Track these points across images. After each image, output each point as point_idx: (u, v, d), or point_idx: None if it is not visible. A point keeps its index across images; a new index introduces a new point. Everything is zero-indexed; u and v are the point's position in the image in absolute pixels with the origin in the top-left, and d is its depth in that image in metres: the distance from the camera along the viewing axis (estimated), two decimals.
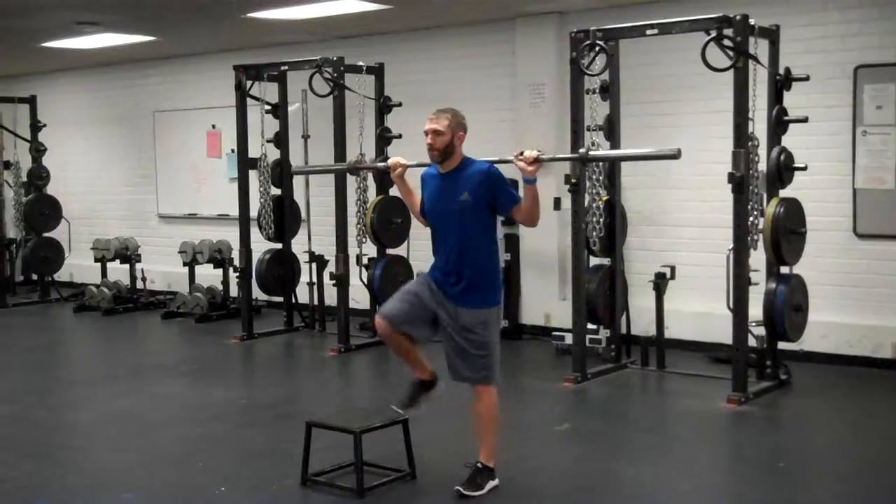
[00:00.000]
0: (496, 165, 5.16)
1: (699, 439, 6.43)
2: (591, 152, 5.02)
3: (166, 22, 10.01)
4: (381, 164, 5.58)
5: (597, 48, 7.45)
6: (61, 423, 7.07)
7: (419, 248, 9.34)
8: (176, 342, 10.29)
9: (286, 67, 9.64)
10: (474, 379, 5.20)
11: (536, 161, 4.92)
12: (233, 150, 10.73)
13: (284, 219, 10.10)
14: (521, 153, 4.96)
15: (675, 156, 4.87)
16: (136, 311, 11.72)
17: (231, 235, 10.66)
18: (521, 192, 5.17)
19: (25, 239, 12.92)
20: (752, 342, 7.30)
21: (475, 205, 5.06)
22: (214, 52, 11.99)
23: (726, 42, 6.80)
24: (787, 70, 7.35)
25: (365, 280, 9.42)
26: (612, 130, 7.99)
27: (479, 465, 5.22)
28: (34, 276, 13.32)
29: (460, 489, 5.14)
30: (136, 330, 10.95)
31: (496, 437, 5.26)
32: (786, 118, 7.38)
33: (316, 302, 10.15)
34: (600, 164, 7.80)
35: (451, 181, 5.14)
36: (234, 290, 10.85)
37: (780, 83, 7.35)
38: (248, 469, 5.77)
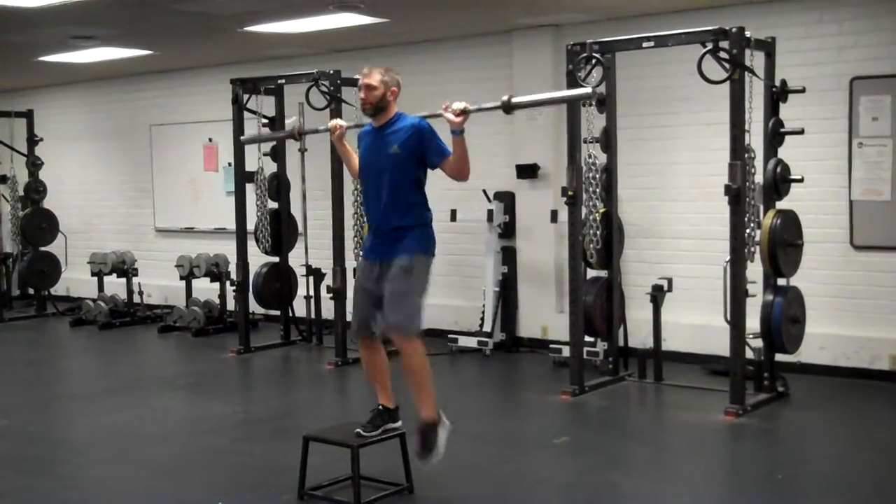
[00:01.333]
0: (427, 120, 5.27)
1: (697, 452, 6.42)
2: (513, 99, 5.14)
3: (163, 36, 10.02)
4: (321, 128, 5.75)
5: (593, 61, 7.47)
6: (58, 437, 7.04)
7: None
8: (173, 356, 10.27)
9: (283, 81, 9.64)
10: (392, 325, 5.11)
11: (464, 112, 5.01)
12: (230, 164, 10.73)
13: (281, 232, 10.10)
14: (449, 105, 5.06)
15: (590, 96, 5.31)
16: (133, 325, 11.70)
17: (228, 249, 10.65)
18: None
19: (22, 253, 12.90)
20: (749, 354, 7.29)
21: (405, 157, 5.17)
22: (211, 66, 12.00)
23: (722, 54, 6.81)
24: (784, 82, 7.36)
25: None
26: (608, 142, 8.00)
27: (426, 424, 5.18)
28: (31, 291, 13.31)
29: (419, 458, 5.17)
30: (132, 344, 10.92)
31: (431, 386, 5.22)
32: (782, 130, 7.39)
33: (313, 315, 10.13)
34: (598, 176, 7.82)
35: (383, 135, 5.25)
36: (230, 304, 10.84)
37: (777, 95, 7.37)
38: (245, 483, 5.75)
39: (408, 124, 5.23)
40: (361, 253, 5.39)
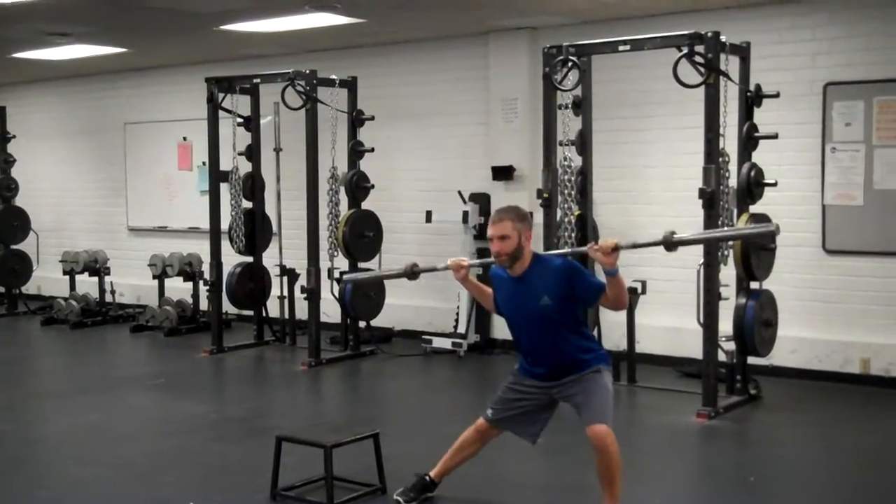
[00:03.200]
0: (569, 258, 4.93)
1: (670, 454, 6.45)
2: (675, 236, 4.61)
3: (138, 34, 9.97)
4: (441, 267, 5.16)
5: (569, 63, 7.49)
6: (28, 436, 6.98)
7: (391, 262, 9.35)
8: (145, 356, 10.21)
9: (258, 80, 9.61)
10: (600, 416, 4.73)
11: (615, 250, 4.56)
12: (204, 163, 10.68)
13: (255, 232, 10.06)
14: (597, 243, 4.65)
15: (774, 232, 4.71)
16: (105, 324, 11.62)
17: (202, 248, 10.60)
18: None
19: None
20: (722, 357, 7.33)
21: (558, 306, 4.73)
22: (186, 65, 11.95)
23: (698, 59, 6.85)
24: (758, 87, 7.41)
25: (336, 294, 9.40)
26: (584, 145, 8.02)
27: None
28: (1, 289, 13.17)
29: None
30: (104, 343, 10.85)
31: (619, 479, 4.81)
32: (756, 134, 7.44)
33: (287, 316, 10.10)
34: (573, 178, 7.84)
35: (526, 285, 4.79)
36: (203, 304, 10.79)
37: (751, 100, 7.41)
38: (218, 483, 5.73)
39: (552, 268, 4.76)
40: (519, 370, 5.04)
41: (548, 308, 4.72)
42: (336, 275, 9.34)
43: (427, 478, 5.22)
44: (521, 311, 4.86)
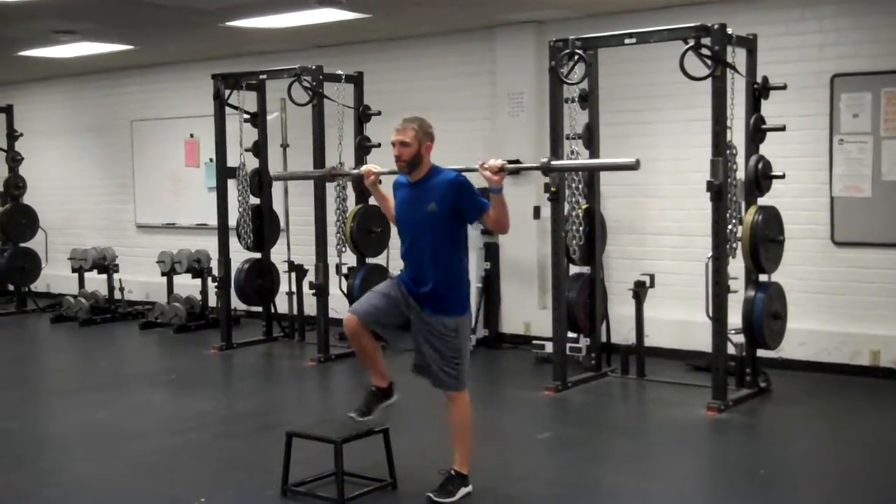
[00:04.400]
0: (463, 174, 5.17)
1: (679, 447, 6.45)
2: (552, 162, 5.07)
3: (144, 31, 9.97)
4: (355, 172, 5.69)
5: (576, 57, 7.48)
6: (38, 434, 7.01)
7: (399, 257, 9.35)
8: (154, 352, 10.23)
9: (265, 76, 9.61)
10: (448, 385, 5.21)
11: (501, 170, 4.93)
12: (211, 160, 10.69)
13: (263, 228, 10.06)
14: (485, 162, 4.97)
15: (634, 166, 4.90)
16: (114, 321, 11.64)
17: (210, 245, 10.61)
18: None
19: (1, 249, 12.81)
20: (731, 350, 7.32)
21: (443, 214, 5.08)
22: (192, 61, 11.95)
23: (704, 51, 6.83)
24: (765, 79, 7.39)
25: (345, 289, 9.40)
26: (591, 139, 8.01)
27: (452, 472, 5.24)
28: (10, 287, 13.21)
29: (431, 495, 5.15)
30: (113, 340, 10.88)
31: (469, 443, 5.28)
32: (763, 127, 7.42)
33: (295, 312, 10.12)
34: (580, 172, 7.83)
35: (419, 191, 5.16)
36: (212, 300, 10.80)
37: (758, 92, 7.39)
38: (228, 480, 5.74)
39: (444, 180, 5.11)
40: (399, 277, 5.32)
41: (433, 215, 5.07)
42: (344, 270, 9.34)
43: (373, 388, 5.37)
44: (410, 214, 5.20)
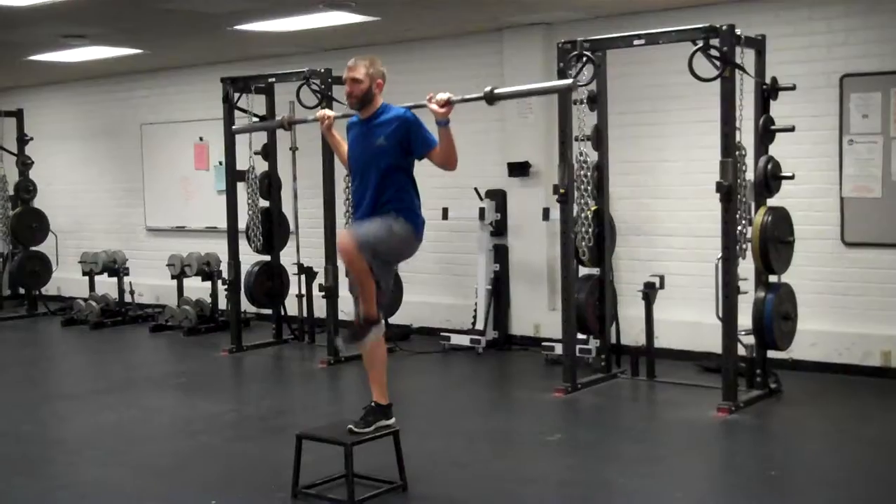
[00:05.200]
0: (412, 111, 5.27)
1: (690, 449, 6.43)
2: (495, 90, 5.13)
3: (153, 35, 10.00)
4: (311, 118, 5.83)
5: (584, 58, 7.48)
6: (50, 437, 7.03)
7: (408, 260, 9.35)
8: (164, 355, 10.25)
9: (274, 79, 9.64)
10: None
11: (448, 103, 5.03)
12: (220, 163, 10.72)
13: (273, 231, 10.09)
14: (433, 96, 5.07)
15: (570, 88, 5.21)
16: (125, 324, 11.68)
17: (219, 248, 10.63)
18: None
19: (12, 253, 12.87)
20: (741, 351, 7.31)
21: (391, 148, 5.19)
22: (201, 65, 11.98)
23: (713, 52, 6.83)
24: (774, 79, 7.38)
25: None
26: (599, 140, 8.01)
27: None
28: (21, 290, 13.26)
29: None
30: (124, 343, 10.90)
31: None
32: (773, 127, 7.40)
33: (305, 314, 10.13)
34: (589, 173, 7.83)
35: (369, 127, 5.27)
36: (222, 303, 10.81)
37: (767, 92, 7.38)
38: (239, 482, 5.75)
39: (393, 115, 5.25)
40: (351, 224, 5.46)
41: (382, 149, 5.18)
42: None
43: (373, 403, 5.42)
44: (361, 150, 5.30)
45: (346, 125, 5.53)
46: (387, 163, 5.21)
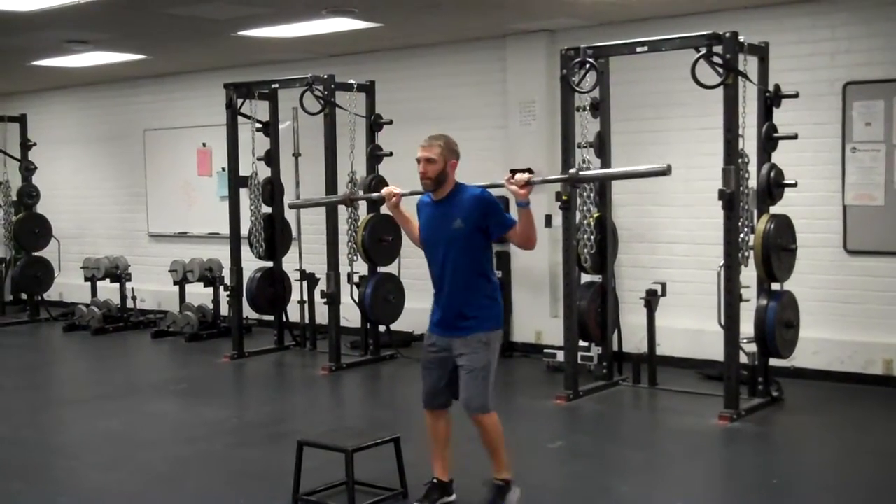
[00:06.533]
0: (489, 190, 5.08)
1: (691, 456, 6.42)
2: (581, 172, 4.86)
3: (157, 40, 10.01)
4: (375, 195, 5.46)
5: (587, 65, 7.48)
6: (51, 442, 7.03)
7: (410, 266, 9.35)
8: (166, 361, 10.25)
9: (277, 85, 9.64)
10: (475, 403, 5.04)
11: (528, 184, 4.82)
12: (223, 169, 10.72)
13: (275, 237, 10.08)
14: (513, 176, 4.87)
15: (665, 172, 4.75)
16: (126, 330, 11.68)
17: (222, 254, 10.63)
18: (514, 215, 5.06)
19: (15, 258, 12.88)
20: (743, 359, 7.30)
21: (469, 231, 4.98)
22: (205, 71, 11.99)
23: (716, 59, 6.82)
24: (777, 87, 7.38)
25: (356, 298, 9.41)
26: (602, 147, 8.01)
27: (497, 482, 5.15)
28: (24, 296, 13.26)
29: None
30: (126, 349, 10.90)
31: (504, 449, 5.15)
32: (775, 135, 7.40)
33: (307, 320, 10.13)
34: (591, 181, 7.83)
35: (444, 208, 5.06)
36: (224, 309, 10.81)
37: (770, 100, 7.38)
38: (240, 488, 5.74)
39: (469, 196, 5.00)
40: (429, 326, 5.24)
41: (459, 232, 4.97)
42: (356, 279, 9.36)
43: (435, 480, 5.24)
44: (436, 233, 5.09)
45: (416, 203, 5.30)
46: (465, 247, 5.00)
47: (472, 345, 5.02)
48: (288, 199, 10.12)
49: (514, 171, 5.10)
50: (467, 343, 5.02)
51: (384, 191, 5.35)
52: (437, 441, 5.26)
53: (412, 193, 5.34)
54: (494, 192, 5.14)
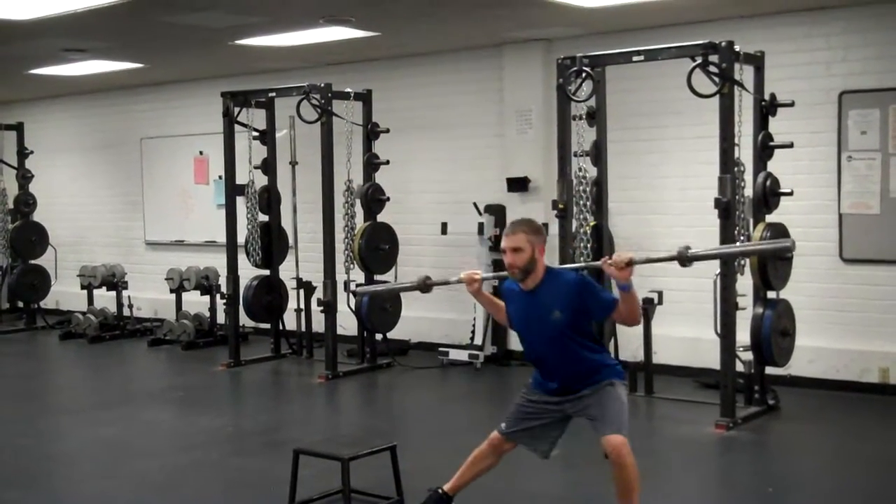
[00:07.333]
0: (583, 272, 4.87)
1: (688, 465, 6.43)
2: (689, 251, 4.54)
3: (154, 49, 10.02)
4: (454, 280, 5.16)
5: (583, 74, 7.50)
6: (48, 451, 7.01)
7: (407, 274, 9.35)
8: (163, 369, 10.24)
9: (274, 94, 9.65)
10: (612, 422, 4.66)
11: (629, 265, 4.46)
12: (220, 177, 10.73)
13: (272, 245, 10.09)
14: (610, 257, 4.54)
15: (790, 248, 4.61)
16: (123, 338, 11.67)
17: (218, 262, 10.64)
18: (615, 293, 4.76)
19: (11, 266, 12.86)
20: (739, 367, 7.30)
21: (570, 320, 4.66)
22: (202, 79, 12.01)
23: (712, 68, 6.84)
24: (773, 96, 7.39)
25: (353, 306, 9.41)
26: (598, 156, 8.02)
27: None
28: (20, 304, 13.25)
29: None
30: (122, 357, 10.89)
31: (638, 497, 4.68)
32: (771, 143, 7.42)
33: (303, 328, 10.12)
34: (588, 189, 7.84)
35: (538, 298, 4.73)
36: (221, 317, 10.82)
37: (766, 109, 7.39)
38: (236, 497, 5.74)
39: (564, 282, 4.69)
40: (533, 384, 4.99)
41: (559, 322, 4.65)
42: (352, 287, 9.36)
43: (440, 491, 5.14)
44: (532, 325, 4.80)
45: (501, 289, 5.03)
46: (569, 335, 4.67)
47: (597, 391, 4.72)
48: (285, 207, 10.12)
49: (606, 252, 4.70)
50: (592, 393, 4.73)
51: (464, 276, 5.04)
52: (476, 463, 5.07)
53: (495, 277, 5.10)
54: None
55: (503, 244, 4.73)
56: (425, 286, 5.23)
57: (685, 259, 4.48)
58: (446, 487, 5.11)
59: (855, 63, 8.04)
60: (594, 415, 4.70)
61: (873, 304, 8.06)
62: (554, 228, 8.24)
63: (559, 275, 4.76)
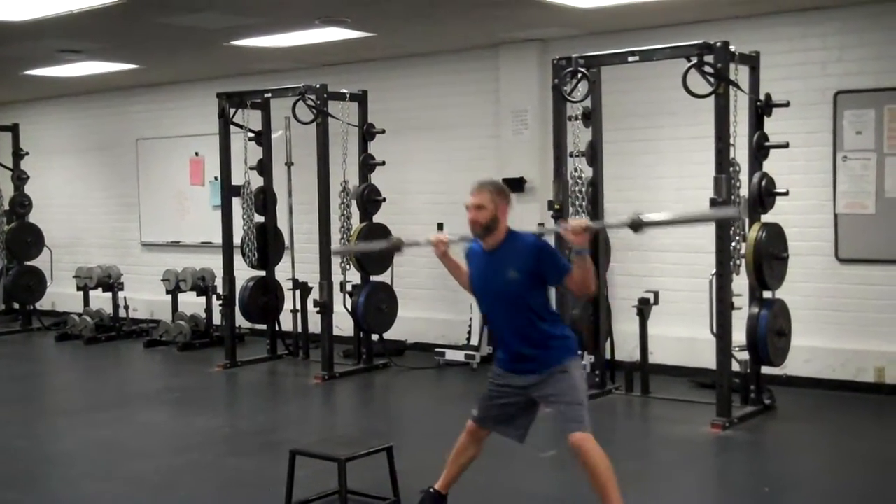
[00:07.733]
0: (543, 236, 4.92)
1: (684, 464, 6.43)
2: (642, 216, 4.59)
3: (149, 50, 10.02)
4: (422, 241, 5.22)
5: (579, 75, 7.51)
6: (44, 452, 7.01)
7: (403, 275, 9.38)
8: (158, 371, 10.23)
9: (269, 95, 9.65)
10: (571, 421, 4.78)
11: (585, 230, 4.56)
12: (216, 178, 10.72)
13: (268, 246, 10.08)
14: (568, 223, 4.65)
15: (737, 217, 4.64)
16: (119, 339, 11.66)
17: (214, 263, 10.63)
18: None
19: (7, 267, 12.84)
20: (735, 367, 7.31)
21: (525, 280, 4.73)
22: (197, 80, 12.00)
23: (707, 69, 6.85)
24: (768, 96, 7.40)
25: (349, 307, 9.41)
26: (594, 156, 8.03)
27: None
28: (16, 305, 13.23)
29: None
30: (118, 359, 10.88)
31: (615, 490, 4.74)
32: (767, 144, 7.43)
33: (300, 329, 10.12)
34: (584, 189, 7.85)
35: (497, 258, 4.82)
36: (217, 318, 10.82)
37: (761, 109, 7.40)
38: (232, 498, 5.74)
39: (523, 244, 4.77)
40: (496, 364, 5.05)
41: (514, 282, 4.74)
42: (349, 288, 9.36)
43: (433, 490, 5.17)
44: (489, 284, 4.89)
45: (465, 252, 5.07)
46: (523, 297, 4.75)
47: (553, 378, 4.80)
48: (281, 208, 10.12)
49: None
50: (552, 376, 4.81)
51: (432, 238, 5.13)
52: (460, 455, 5.13)
53: (461, 240, 5.15)
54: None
55: (467, 201, 4.85)
56: (398, 246, 5.53)
57: (638, 224, 4.58)
58: (437, 486, 5.15)
59: (850, 63, 8.05)
60: (554, 408, 4.84)
61: (869, 304, 8.07)
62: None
63: (520, 237, 4.86)
